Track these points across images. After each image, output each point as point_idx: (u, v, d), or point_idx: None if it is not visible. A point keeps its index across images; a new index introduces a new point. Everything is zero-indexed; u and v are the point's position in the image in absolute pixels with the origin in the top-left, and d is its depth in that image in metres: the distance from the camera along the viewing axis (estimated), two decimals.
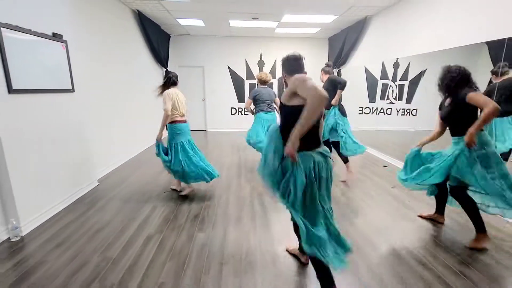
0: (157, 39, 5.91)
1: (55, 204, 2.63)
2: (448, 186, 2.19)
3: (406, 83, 6.60)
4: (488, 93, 2.98)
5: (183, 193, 3.04)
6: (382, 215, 2.62)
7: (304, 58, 1.63)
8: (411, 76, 6.00)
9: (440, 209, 2.42)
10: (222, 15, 5.23)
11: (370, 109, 7.34)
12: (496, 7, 2.83)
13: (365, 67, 6.98)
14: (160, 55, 6.12)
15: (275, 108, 4.15)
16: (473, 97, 1.82)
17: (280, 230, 2.31)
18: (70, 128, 2.90)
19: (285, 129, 1.41)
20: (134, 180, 3.57)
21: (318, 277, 1.48)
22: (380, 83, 6.93)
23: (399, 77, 6.25)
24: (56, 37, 2.67)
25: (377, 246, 2.08)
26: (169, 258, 1.93)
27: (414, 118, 6.15)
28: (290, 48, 7.32)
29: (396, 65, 6.28)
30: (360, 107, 7.42)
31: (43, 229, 2.33)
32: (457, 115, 1.99)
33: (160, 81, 6.50)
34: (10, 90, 2.13)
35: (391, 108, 6.91)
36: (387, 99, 6.95)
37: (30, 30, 2.35)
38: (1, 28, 2.05)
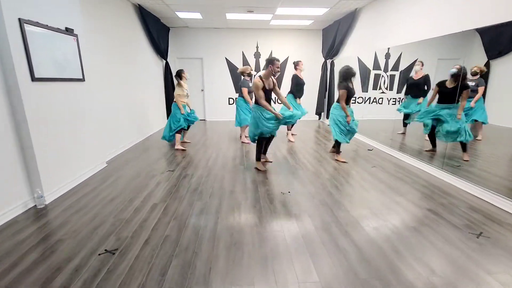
0: (157, 32, 6.18)
1: (72, 179, 3.00)
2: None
3: (397, 73, 6.85)
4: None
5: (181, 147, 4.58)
6: (357, 188, 2.98)
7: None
8: (402, 66, 6.28)
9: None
10: (218, 8, 5.49)
11: (363, 98, 7.63)
12: None
13: (358, 57, 7.24)
14: (160, 47, 6.40)
15: None
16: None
17: (266, 201, 2.68)
18: (82, 113, 3.24)
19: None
20: (139, 162, 3.93)
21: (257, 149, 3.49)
22: (373, 73, 7.20)
23: (390, 67, 6.53)
24: (68, 31, 2.98)
25: (348, 210, 2.45)
26: (173, 219, 2.30)
27: None
28: (286, 39, 7.64)
29: (387, 56, 6.49)
30: (353, 97, 7.69)
31: (63, 198, 2.70)
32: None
33: (160, 72, 6.86)
34: (33, 78, 2.47)
35: (382, 98, 7.20)
36: (379, 89, 7.24)
37: (47, 25, 2.66)
38: (24, 24, 2.36)
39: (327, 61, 7.37)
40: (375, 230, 2.13)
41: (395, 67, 6.47)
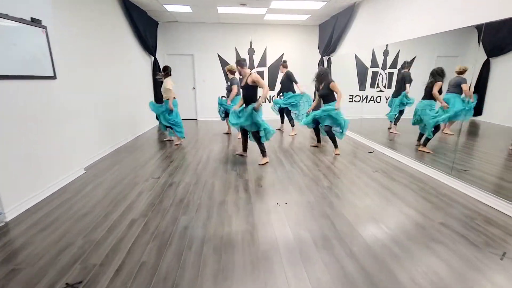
0: (144, 26, 5.81)
1: (42, 190, 2.66)
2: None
3: (395, 71, 6.63)
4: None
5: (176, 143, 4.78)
6: (362, 197, 2.72)
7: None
8: (400, 64, 6.06)
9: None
10: (209, 1, 5.15)
11: (360, 97, 7.40)
12: None
13: (355, 55, 7.00)
14: (148, 42, 6.03)
15: None
16: (333, 84, 4.04)
17: (262, 214, 2.39)
18: (54, 114, 2.89)
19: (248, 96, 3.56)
20: (123, 167, 3.59)
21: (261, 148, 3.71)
22: (370, 71, 6.97)
23: (388, 65, 6.29)
24: (35, 22, 2.62)
25: (352, 224, 2.18)
26: (152, 239, 1.99)
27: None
28: (281, 35, 7.33)
29: (385, 53, 6.27)
30: (350, 95, 7.46)
31: (29, 213, 2.36)
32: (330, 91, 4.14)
33: (149, 69, 6.49)
34: None
35: (380, 96, 6.97)
36: (377, 87, 7.01)
37: (7, 15, 2.30)
38: None
39: (324, 58, 7.09)
40: (384, 249, 1.86)
41: (393, 64, 6.24)
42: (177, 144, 4.79)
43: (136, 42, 5.71)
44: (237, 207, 2.48)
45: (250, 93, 3.57)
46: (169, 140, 5.09)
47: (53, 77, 2.87)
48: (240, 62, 3.60)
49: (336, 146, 4.26)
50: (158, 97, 6.41)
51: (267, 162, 3.78)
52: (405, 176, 3.31)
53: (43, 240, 1.98)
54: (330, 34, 6.44)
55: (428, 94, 3.93)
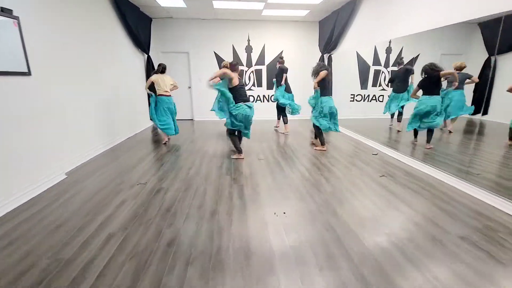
0: (136, 22, 5.53)
1: (13, 199, 2.38)
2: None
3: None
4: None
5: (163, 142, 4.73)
6: (369, 206, 2.45)
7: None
8: (403, 61, 5.83)
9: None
10: None
11: (362, 96, 7.15)
12: None
13: (357, 52, 6.75)
14: (140, 39, 5.75)
15: None
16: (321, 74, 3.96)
17: (258, 226, 2.12)
18: (29, 114, 2.62)
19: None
20: (109, 171, 3.33)
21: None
22: (372, 69, 6.72)
23: (391, 62, 6.02)
24: (4, 12, 2.35)
25: (361, 239, 1.92)
26: (130, 258, 1.72)
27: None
28: (279, 32, 7.04)
29: (388, 50, 6.05)
30: (351, 94, 7.21)
31: None
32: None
33: (142, 67, 6.22)
34: None
35: (383, 95, 6.73)
36: (379, 86, 6.75)
37: None
38: None
39: (324, 55, 6.83)
40: (397, 268, 1.59)
41: (396, 62, 6.00)
42: (164, 143, 4.73)
43: (127, 38, 5.43)
44: (229, 218, 2.21)
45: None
46: (165, 143, 4.77)
47: (27, 73, 2.60)
48: (232, 64, 3.78)
49: (322, 142, 4.32)
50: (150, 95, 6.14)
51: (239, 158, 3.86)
52: (414, 180, 3.05)
53: (4, 260, 1.71)
54: (331, 30, 6.17)
55: (432, 89, 3.76)
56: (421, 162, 3.49)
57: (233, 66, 3.74)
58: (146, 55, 6.28)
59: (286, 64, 5.77)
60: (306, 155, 4.06)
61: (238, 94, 3.60)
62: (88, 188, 2.83)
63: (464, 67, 3.75)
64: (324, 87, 4.07)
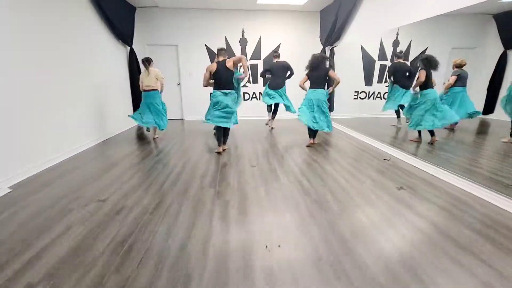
0: (116, 11, 4.92)
1: None
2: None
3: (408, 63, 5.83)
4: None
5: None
6: (391, 235, 1.86)
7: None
8: (412, 56, 5.23)
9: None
10: None
11: (366, 93, 6.60)
12: None
13: (361, 46, 6.21)
14: (121, 30, 5.14)
15: None
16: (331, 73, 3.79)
17: (240, 273, 1.53)
18: None
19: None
20: (65, 183, 2.72)
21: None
22: (378, 64, 6.15)
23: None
24: None
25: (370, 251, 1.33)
26: None
27: None
28: (276, 23, 6.39)
29: (395, 44, 5.51)
30: (355, 91, 6.66)
31: None
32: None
33: (123, 61, 5.61)
34: None
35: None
36: (385, 82, 6.21)
37: None
38: None
39: (326, 48, 6.24)
40: None
41: (404, 56, 5.45)
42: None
43: (105, 28, 4.82)
44: (204, 255, 1.62)
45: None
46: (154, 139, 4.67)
47: None
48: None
49: (309, 136, 4.24)
50: (136, 92, 5.54)
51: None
52: (439, 194, 2.47)
53: None
54: (333, 20, 5.57)
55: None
56: (441, 169, 2.90)
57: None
58: (129, 48, 5.67)
59: (284, 59, 5.36)
60: (306, 160, 3.47)
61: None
62: (31, 207, 2.23)
63: (465, 64, 3.66)
64: (311, 81, 3.97)
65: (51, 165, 3.23)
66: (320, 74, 3.84)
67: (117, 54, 5.33)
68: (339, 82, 3.80)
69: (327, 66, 4.04)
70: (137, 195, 2.43)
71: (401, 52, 4.75)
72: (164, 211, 2.14)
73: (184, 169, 3.12)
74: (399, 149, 3.73)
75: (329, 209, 2.20)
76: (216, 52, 3.81)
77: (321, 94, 3.89)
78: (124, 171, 3.08)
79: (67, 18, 3.67)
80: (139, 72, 5.74)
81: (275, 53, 5.29)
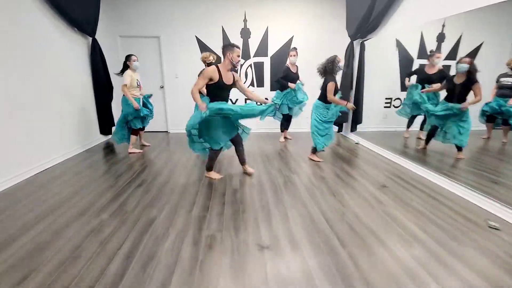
0: None
1: None
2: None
3: (453, 63, 4.80)
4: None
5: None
6: None
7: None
8: (461, 53, 4.04)
9: None
10: None
11: (401, 100, 5.39)
12: None
13: (396, 40, 4.97)
14: (76, 16, 3.75)
15: None
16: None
17: None
18: None
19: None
20: (24, 208, 2.12)
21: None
22: (417, 63, 4.89)
23: (444, 55, 4.28)
24: None
25: None
26: None
27: None
28: (288, 9, 4.55)
29: (440, 38, 4.34)
30: (387, 98, 5.44)
31: None
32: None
33: (84, 55, 4.18)
34: None
35: None
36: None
37: None
38: None
39: (354, 42, 4.84)
40: None
41: (451, 54, 4.24)
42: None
43: (55, 15, 3.46)
44: None
45: None
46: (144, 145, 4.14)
47: None
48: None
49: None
50: (100, 91, 4.33)
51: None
52: None
53: None
54: (370, 4, 4.17)
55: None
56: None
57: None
58: (90, 39, 4.26)
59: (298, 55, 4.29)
60: (319, 179, 2.06)
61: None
62: None
63: None
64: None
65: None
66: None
67: (74, 47, 3.94)
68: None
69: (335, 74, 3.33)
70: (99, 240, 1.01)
71: (432, 51, 4.05)
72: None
73: (168, 201, 1.71)
74: (449, 178, 2.29)
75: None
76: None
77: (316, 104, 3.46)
78: (94, 189, 1.67)
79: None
80: (105, 69, 4.41)
81: (293, 50, 4.23)
